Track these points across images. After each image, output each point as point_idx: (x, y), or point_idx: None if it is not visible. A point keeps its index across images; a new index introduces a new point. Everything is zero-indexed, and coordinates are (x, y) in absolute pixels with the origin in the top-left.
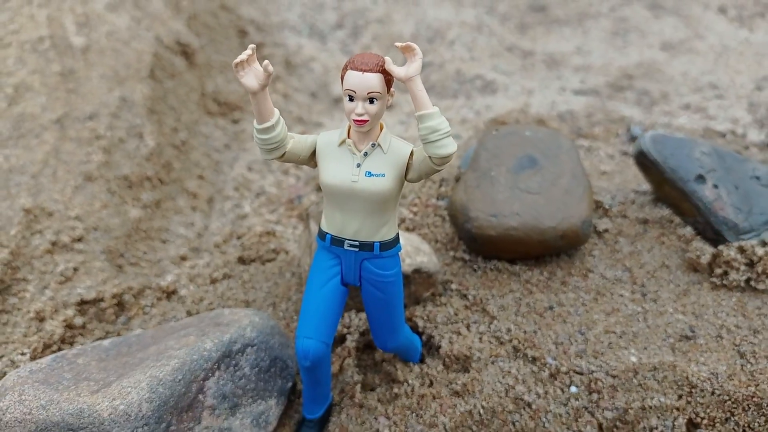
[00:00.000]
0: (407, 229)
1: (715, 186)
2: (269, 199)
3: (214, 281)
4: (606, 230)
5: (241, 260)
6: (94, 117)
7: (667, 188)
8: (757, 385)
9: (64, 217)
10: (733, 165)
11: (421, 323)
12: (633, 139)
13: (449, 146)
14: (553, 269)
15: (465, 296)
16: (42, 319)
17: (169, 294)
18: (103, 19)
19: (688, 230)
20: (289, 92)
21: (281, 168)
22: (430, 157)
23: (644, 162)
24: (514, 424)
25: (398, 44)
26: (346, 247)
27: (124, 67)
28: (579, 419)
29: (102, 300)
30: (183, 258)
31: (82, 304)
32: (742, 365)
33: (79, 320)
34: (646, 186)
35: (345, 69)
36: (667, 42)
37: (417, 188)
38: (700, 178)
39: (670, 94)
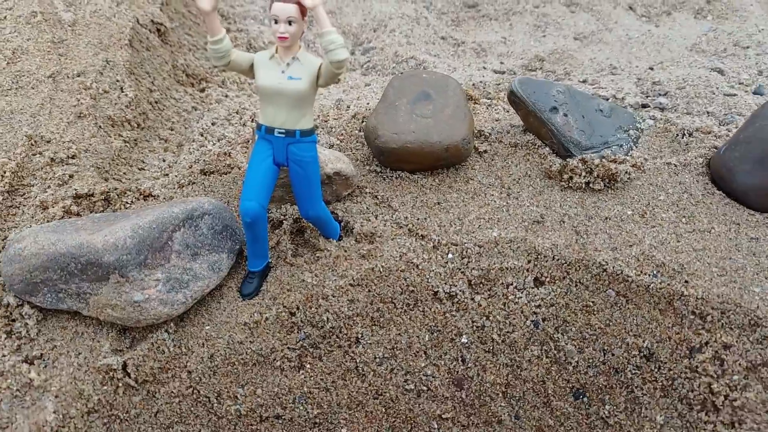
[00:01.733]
0: (335, 149)
1: (565, 115)
2: (228, 141)
3: (181, 186)
4: (485, 151)
5: (203, 172)
6: (82, 74)
7: (531, 119)
8: (586, 252)
9: (60, 142)
10: (582, 101)
11: (341, 213)
12: None
13: (342, 53)
14: (443, 178)
15: (375, 196)
16: (45, 208)
17: (146, 196)
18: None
19: (547, 150)
20: None
21: (241, 121)
22: (330, 62)
23: (514, 99)
24: (405, 279)
25: None
26: (275, 134)
27: (107, 37)
28: (453, 277)
29: (92, 195)
30: (156, 179)
31: (77, 198)
32: (576, 239)
33: (74, 208)
34: (518, 122)
35: (272, 1)
36: (580, 33)
37: (344, 123)
38: (554, 109)
39: (572, 72)
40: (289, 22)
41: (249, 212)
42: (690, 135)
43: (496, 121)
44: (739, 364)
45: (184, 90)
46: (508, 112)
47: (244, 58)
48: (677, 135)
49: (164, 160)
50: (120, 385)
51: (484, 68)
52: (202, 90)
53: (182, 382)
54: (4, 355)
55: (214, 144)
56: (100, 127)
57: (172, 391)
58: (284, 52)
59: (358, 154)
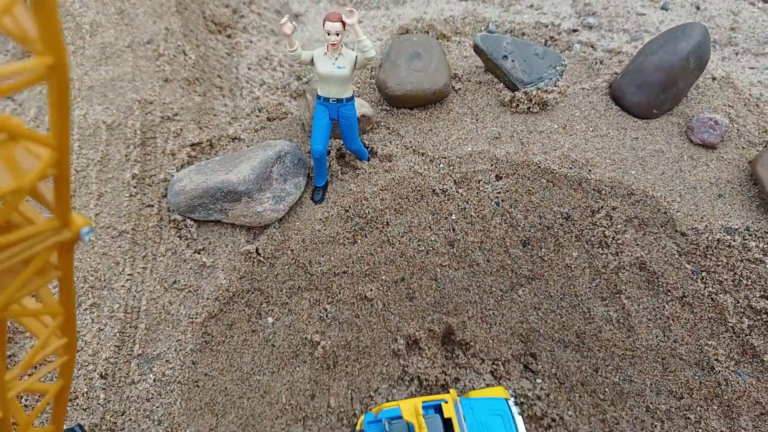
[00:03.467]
0: (356, 96)
1: (513, 60)
2: (269, 86)
3: (257, 130)
4: (459, 89)
5: (269, 119)
6: (151, 42)
7: (490, 64)
8: (527, 156)
9: (161, 104)
10: (524, 48)
11: (367, 142)
12: (490, 32)
13: (372, 53)
14: (432, 111)
15: (388, 128)
16: (173, 155)
17: (234, 139)
18: None
19: (501, 86)
20: (261, 11)
21: (271, 66)
22: (364, 58)
23: (478, 50)
24: (413, 182)
25: (347, 8)
26: (330, 101)
27: (158, 5)
28: (444, 178)
29: (201, 143)
30: (230, 123)
31: (192, 146)
32: (521, 148)
33: (193, 153)
34: (481, 64)
35: (324, 20)
36: None
37: (360, 76)
38: (505, 57)
39: None
40: (336, 34)
41: (317, 151)
42: (601, 62)
43: (465, 58)
44: (621, 218)
45: (216, 38)
46: (471, 50)
47: (307, 55)
48: (592, 63)
49: (226, 105)
50: (255, 260)
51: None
52: (229, 36)
53: (288, 256)
54: (183, 250)
55: (258, 88)
56: (182, 87)
57: (284, 262)
58: (333, 50)
59: (372, 98)
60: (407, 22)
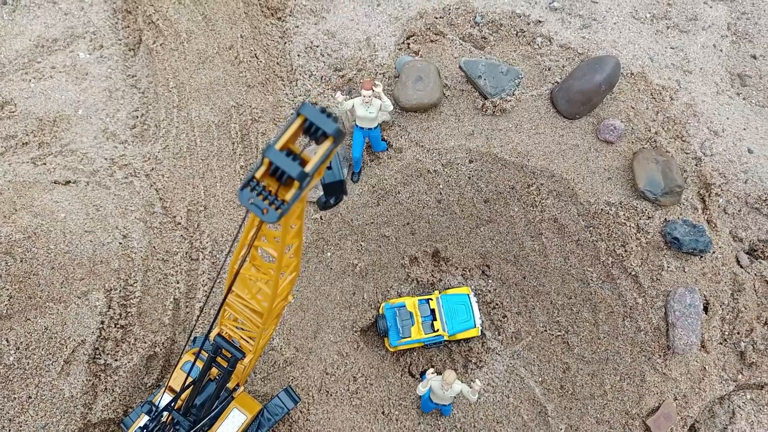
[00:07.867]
0: None
1: (484, 79)
2: (315, 78)
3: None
4: (448, 95)
5: None
6: (231, 48)
7: (471, 80)
8: (490, 148)
9: (248, 106)
10: (493, 69)
11: (386, 137)
12: (476, 23)
13: (390, 107)
14: (429, 114)
15: (399, 126)
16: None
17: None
18: None
19: (476, 95)
20: None
21: (315, 56)
22: (385, 110)
23: (462, 69)
24: (415, 166)
25: (376, 82)
26: (365, 129)
27: (232, 13)
28: (435, 163)
29: None
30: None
31: None
32: (487, 142)
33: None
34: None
35: (362, 87)
36: None
37: (385, 92)
38: (479, 76)
39: None
40: (369, 96)
41: (356, 157)
42: (549, 69)
43: (455, 58)
44: (545, 191)
45: (270, 22)
46: (461, 45)
47: (349, 104)
48: (543, 69)
49: (287, 95)
50: (320, 222)
51: None
52: (279, 19)
53: (338, 217)
54: None
55: (308, 80)
56: (260, 90)
57: (336, 221)
58: (366, 103)
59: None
60: (413, 15)
